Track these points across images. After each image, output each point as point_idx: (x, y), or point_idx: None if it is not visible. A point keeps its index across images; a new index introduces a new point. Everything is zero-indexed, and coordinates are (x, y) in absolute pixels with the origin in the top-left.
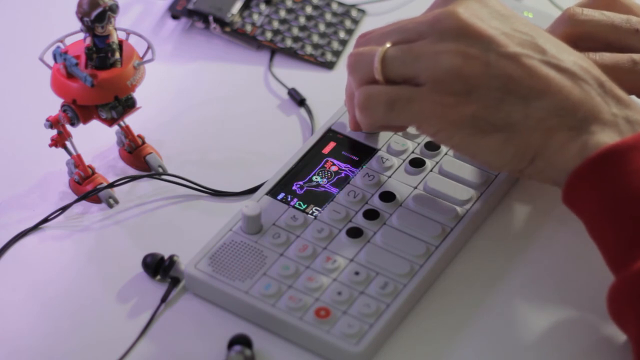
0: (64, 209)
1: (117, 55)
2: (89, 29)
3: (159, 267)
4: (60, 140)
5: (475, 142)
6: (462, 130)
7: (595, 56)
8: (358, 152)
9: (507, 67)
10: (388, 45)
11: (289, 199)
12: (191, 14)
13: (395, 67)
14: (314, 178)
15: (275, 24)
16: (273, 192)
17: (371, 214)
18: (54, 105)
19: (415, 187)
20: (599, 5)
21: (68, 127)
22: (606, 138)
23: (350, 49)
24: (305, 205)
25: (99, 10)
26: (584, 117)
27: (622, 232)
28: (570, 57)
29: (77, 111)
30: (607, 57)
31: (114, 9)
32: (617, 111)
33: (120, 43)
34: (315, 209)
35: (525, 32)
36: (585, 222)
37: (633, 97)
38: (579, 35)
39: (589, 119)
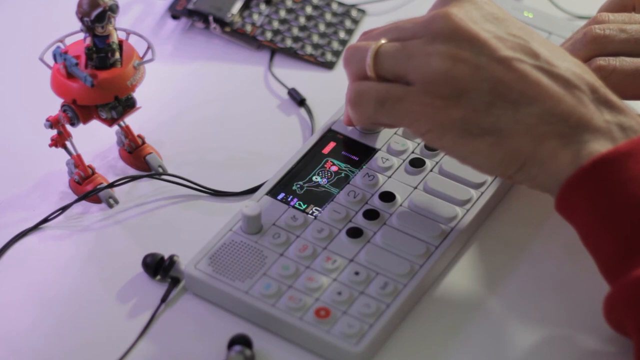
0: (64, 209)
1: (117, 55)
2: (89, 29)
3: (159, 267)
4: (60, 140)
5: (464, 144)
6: (451, 132)
7: (615, 61)
8: (358, 152)
9: (498, 71)
10: (383, 41)
11: (289, 199)
12: (191, 14)
13: (387, 64)
14: (314, 178)
15: (275, 24)
16: (273, 192)
17: (371, 214)
18: (54, 105)
19: (415, 187)
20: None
21: (68, 127)
22: (599, 146)
23: None
24: (305, 205)
25: (99, 10)
26: (575, 124)
27: (618, 241)
28: (564, 63)
29: (77, 111)
30: (628, 62)
31: (114, 9)
32: (610, 118)
33: (120, 43)
34: (315, 209)
35: (520, 36)
36: (579, 230)
37: (628, 102)
38: (601, 55)
39: (580, 127)
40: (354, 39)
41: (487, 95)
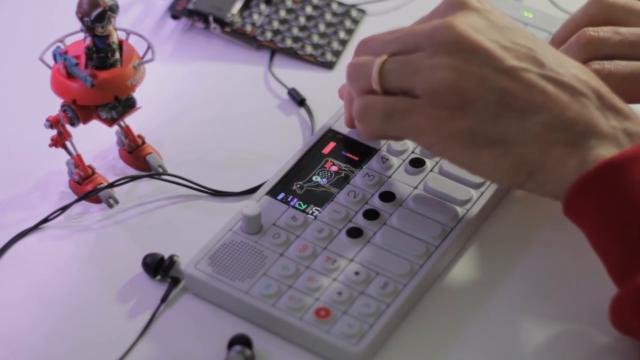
0: (64, 209)
1: (117, 55)
2: (89, 29)
3: (159, 267)
4: (60, 140)
5: (471, 155)
6: (458, 143)
7: (610, 65)
8: (358, 152)
9: (503, 81)
10: (385, 57)
11: (289, 199)
12: (191, 14)
13: (393, 79)
14: (314, 178)
15: (275, 24)
16: (273, 192)
17: (371, 214)
18: (54, 105)
19: (415, 187)
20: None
21: (68, 127)
22: (605, 151)
23: (350, 49)
24: (305, 205)
25: (99, 10)
26: (581, 131)
27: (625, 245)
28: (569, 70)
29: (77, 111)
30: (622, 65)
31: (114, 9)
32: (616, 124)
33: (120, 43)
34: (315, 209)
35: (524, 44)
36: (587, 234)
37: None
38: (595, 57)
39: (587, 133)
40: (354, 39)
41: (493, 105)
